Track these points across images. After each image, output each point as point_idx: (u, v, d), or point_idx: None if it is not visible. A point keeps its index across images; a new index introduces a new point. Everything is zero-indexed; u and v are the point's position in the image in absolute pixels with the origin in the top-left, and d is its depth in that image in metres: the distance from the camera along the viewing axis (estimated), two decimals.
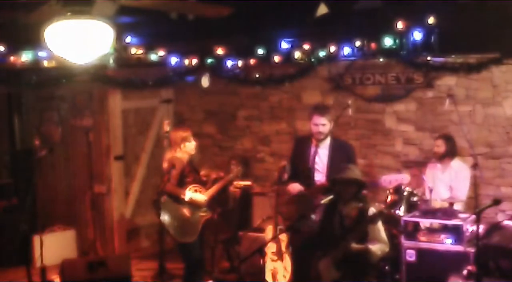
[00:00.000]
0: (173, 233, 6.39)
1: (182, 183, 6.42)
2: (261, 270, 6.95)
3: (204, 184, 6.62)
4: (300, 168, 5.91)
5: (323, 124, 5.80)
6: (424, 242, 6.40)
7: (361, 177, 5.52)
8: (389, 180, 5.64)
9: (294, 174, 6.01)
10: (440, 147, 7.02)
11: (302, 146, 5.97)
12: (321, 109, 5.94)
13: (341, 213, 5.38)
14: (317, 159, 5.81)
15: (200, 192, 6.49)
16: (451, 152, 7.02)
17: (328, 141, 5.85)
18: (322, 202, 5.62)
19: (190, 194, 6.42)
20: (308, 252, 5.83)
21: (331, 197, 5.59)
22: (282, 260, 6.78)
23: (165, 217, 6.37)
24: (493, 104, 7.48)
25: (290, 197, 5.99)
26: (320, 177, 5.79)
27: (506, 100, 7.40)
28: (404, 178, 5.66)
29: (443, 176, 7.03)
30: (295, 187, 5.89)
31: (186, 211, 6.41)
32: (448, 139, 7.07)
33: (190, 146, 6.51)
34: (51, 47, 4.50)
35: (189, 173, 6.47)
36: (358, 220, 5.33)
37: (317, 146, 5.81)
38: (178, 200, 6.40)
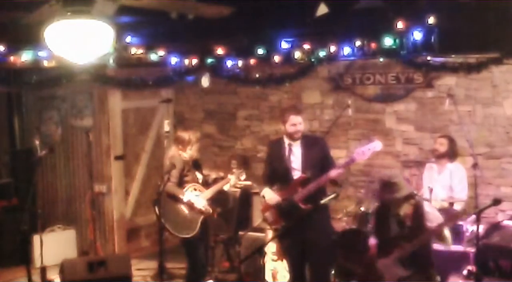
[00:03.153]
0: (170, 227, 6.36)
1: (181, 182, 6.43)
2: (261, 270, 6.96)
3: (205, 184, 6.63)
4: (278, 169, 5.94)
5: (300, 123, 5.83)
6: None
7: (408, 187, 5.45)
8: (362, 151, 5.59)
9: (272, 175, 6.02)
10: (443, 145, 7.00)
11: (277, 147, 5.98)
12: (296, 109, 6.04)
13: (399, 216, 5.37)
14: (292, 158, 5.84)
15: (199, 190, 6.48)
16: (451, 154, 7.00)
17: (299, 139, 5.90)
18: (322, 202, 5.60)
19: (189, 196, 6.41)
20: (303, 252, 5.84)
21: (331, 196, 5.58)
22: (282, 260, 6.78)
23: (162, 213, 6.34)
24: (493, 104, 7.49)
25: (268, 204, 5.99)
26: (298, 174, 5.83)
27: (506, 100, 7.41)
28: (376, 145, 5.59)
29: (439, 177, 7.02)
30: (272, 199, 5.90)
31: (184, 208, 6.41)
32: (451, 140, 7.06)
33: (197, 147, 6.58)
34: (51, 47, 4.50)
35: (188, 172, 6.47)
36: (417, 217, 5.32)
37: (290, 145, 5.85)
38: (176, 198, 6.41)
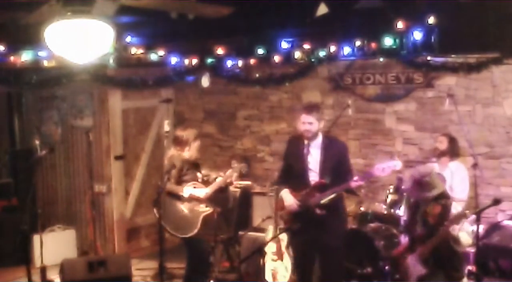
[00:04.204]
0: (169, 228, 6.40)
1: (180, 182, 6.43)
2: (261, 270, 6.95)
3: (206, 183, 6.62)
4: (295, 168, 5.87)
5: (309, 122, 5.69)
6: None
7: (441, 185, 5.42)
8: (382, 167, 5.58)
9: (287, 174, 5.97)
10: (443, 143, 6.99)
11: (295, 145, 5.89)
12: (308, 107, 5.85)
13: (424, 212, 5.37)
14: (309, 158, 5.73)
15: (199, 188, 6.47)
16: (452, 152, 6.99)
17: (320, 139, 5.77)
18: (322, 201, 5.61)
19: (190, 190, 6.41)
20: (309, 252, 5.84)
21: (331, 196, 5.59)
22: (282, 260, 6.79)
23: (161, 213, 6.35)
24: (493, 104, 7.48)
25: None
26: (314, 176, 5.75)
27: (506, 100, 7.41)
28: (396, 164, 5.60)
29: None
30: (291, 205, 5.84)
31: (184, 207, 6.41)
32: (452, 139, 7.07)
33: (197, 145, 6.54)
34: (51, 47, 4.50)
35: (188, 171, 6.47)
36: (441, 216, 5.31)
37: (309, 145, 5.76)
38: (176, 196, 6.40)
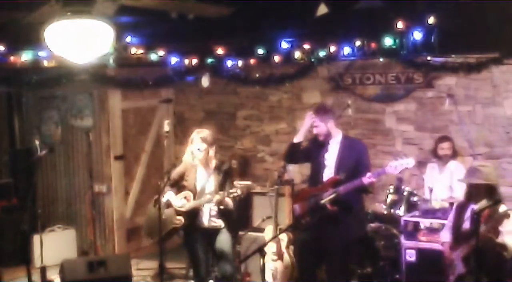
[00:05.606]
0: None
1: (177, 186, 6.16)
2: (261, 270, 6.95)
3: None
4: (312, 165, 5.94)
5: (316, 125, 5.85)
6: (424, 242, 6.41)
7: (493, 178, 5.26)
8: (395, 165, 5.59)
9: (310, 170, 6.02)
10: (449, 149, 7.06)
11: (317, 143, 6.00)
12: (315, 110, 5.98)
13: (474, 210, 5.30)
14: (326, 156, 5.85)
15: (187, 200, 6.08)
16: (455, 154, 7.07)
17: (338, 138, 5.89)
18: (322, 201, 5.61)
19: (170, 196, 6.10)
20: (313, 250, 5.85)
21: (331, 196, 5.58)
22: (282, 260, 6.79)
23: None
24: (493, 104, 7.49)
25: (303, 196, 5.98)
26: (329, 173, 5.82)
27: (506, 100, 7.42)
28: (409, 162, 5.61)
29: (440, 177, 7.05)
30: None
31: (165, 210, 6.11)
32: (452, 140, 7.12)
33: (192, 148, 6.12)
34: (51, 47, 4.50)
35: (188, 177, 6.13)
36: (491, 216, 5.20)
37: (328, 144, 5.86)
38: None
